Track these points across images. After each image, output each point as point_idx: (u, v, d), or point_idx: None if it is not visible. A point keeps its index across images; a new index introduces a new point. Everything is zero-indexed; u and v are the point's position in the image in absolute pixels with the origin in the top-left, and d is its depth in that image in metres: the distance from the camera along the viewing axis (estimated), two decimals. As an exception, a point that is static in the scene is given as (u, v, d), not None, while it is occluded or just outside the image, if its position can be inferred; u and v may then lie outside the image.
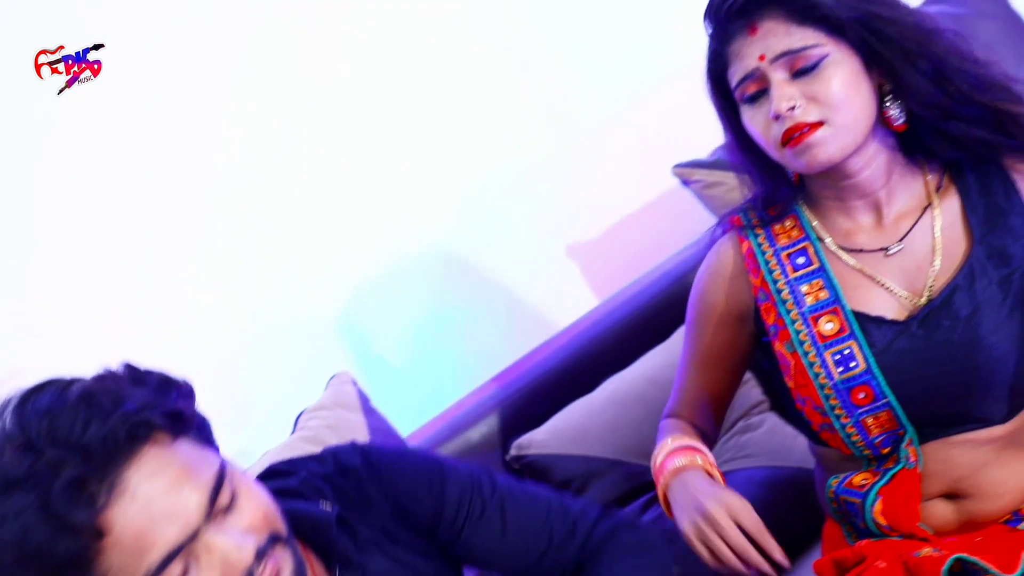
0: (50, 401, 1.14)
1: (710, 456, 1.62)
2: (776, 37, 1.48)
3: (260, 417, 2.25)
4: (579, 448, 2.18)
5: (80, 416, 1.13)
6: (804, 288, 1.58)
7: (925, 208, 1.57)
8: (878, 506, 1.54)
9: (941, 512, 1.56)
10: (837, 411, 1.54)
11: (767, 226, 1.63)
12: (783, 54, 1.48)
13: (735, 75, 1.52)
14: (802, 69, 1.48)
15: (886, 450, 1.56)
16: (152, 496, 1.15)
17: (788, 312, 1.58)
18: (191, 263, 2.29)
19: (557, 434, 2.20)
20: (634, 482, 2.17)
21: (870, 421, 1.54)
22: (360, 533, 1.40)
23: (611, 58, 2.62)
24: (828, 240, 1.60)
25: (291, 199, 2.36)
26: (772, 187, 1.62)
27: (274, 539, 1.22)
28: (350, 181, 2.41)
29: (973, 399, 1.51)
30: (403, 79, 2.45)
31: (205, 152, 2.29)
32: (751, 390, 2.17)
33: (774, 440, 2.13)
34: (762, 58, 1.49)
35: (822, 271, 1.58)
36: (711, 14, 1.54)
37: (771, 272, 1.60)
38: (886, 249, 1.57)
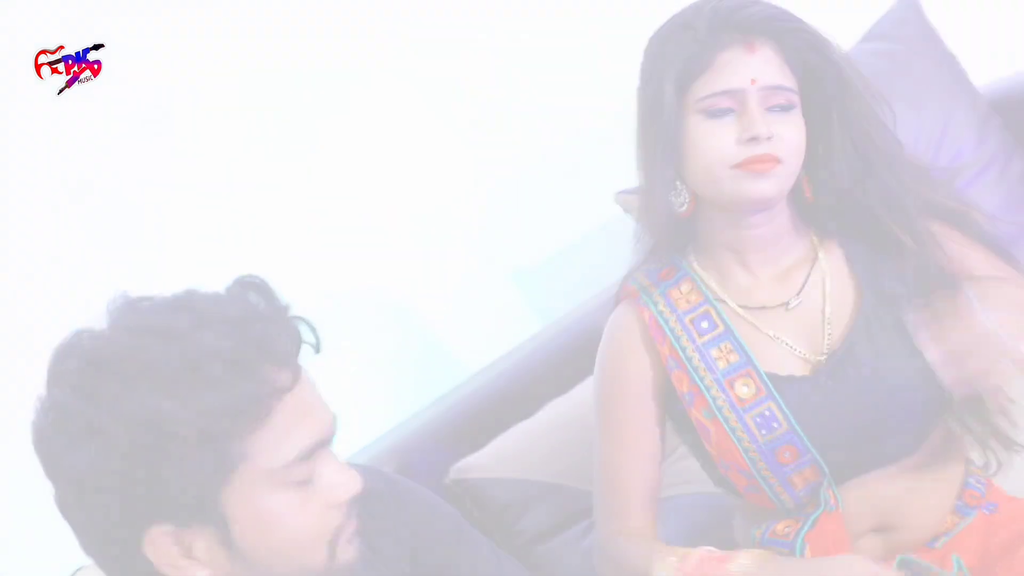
0: (216, 295, 1.13)
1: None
2: (772, 67, 1.48)
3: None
4: (520, 472, 2.17)
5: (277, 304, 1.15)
6: (714, 352, 1.55)
7: (815, 260, 1.59)
8: (807, 553, 1.54)
9: (871, 546, 1.58)
10: (764, 472, 1.54)
11: (665, 292, 1.60)
12: (776, 87, 1.48)
13: (712, 84, 1.49)
14: (779, 106, 1.48)
15: (807, 498, 1.57)
16: (311, 391, 1.15)
17: (702, 378, 1.55)
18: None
19: (498, 457, 2.18)
20: (575, 506, 2.16)
21: (796, 478, 1.54)
22: None
23: (553, 83, 2.63)
24: (729, 302, 1.58)
25: (241, 220, 2.34)
26: (658, 217, 1.57)
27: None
28: (298, 208, 2.39)
29: (888, 439, 1.54)
30: (355, 113, 2.44)
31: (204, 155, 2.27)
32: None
33: (716, 465, 2.13)
34: (753, 82, 1.47)
35: (729, 334, 1.56)
36: (712, 16, 1.48)
37: (678, 339, 1.57)
38: (786, 304, 1.57)
